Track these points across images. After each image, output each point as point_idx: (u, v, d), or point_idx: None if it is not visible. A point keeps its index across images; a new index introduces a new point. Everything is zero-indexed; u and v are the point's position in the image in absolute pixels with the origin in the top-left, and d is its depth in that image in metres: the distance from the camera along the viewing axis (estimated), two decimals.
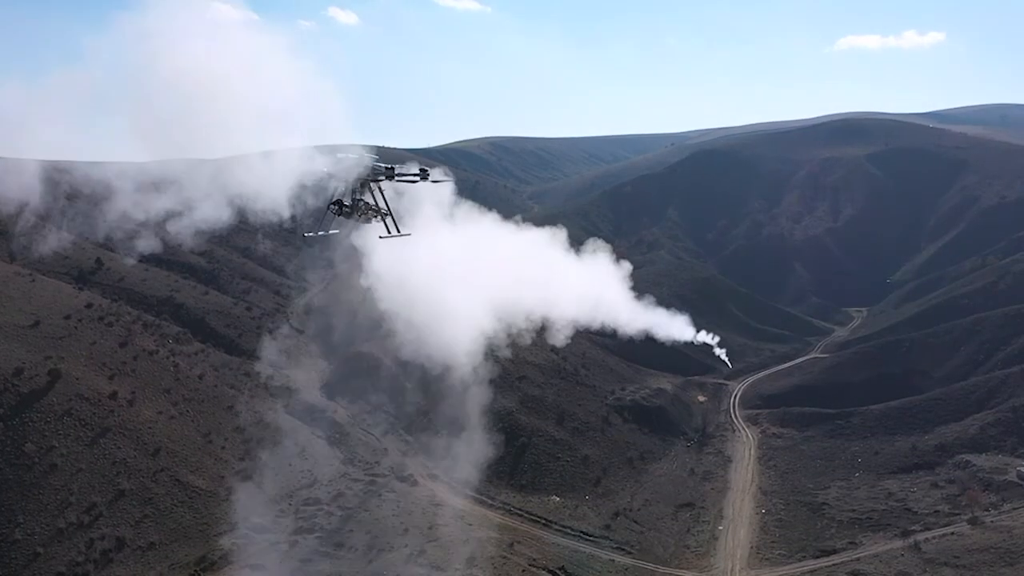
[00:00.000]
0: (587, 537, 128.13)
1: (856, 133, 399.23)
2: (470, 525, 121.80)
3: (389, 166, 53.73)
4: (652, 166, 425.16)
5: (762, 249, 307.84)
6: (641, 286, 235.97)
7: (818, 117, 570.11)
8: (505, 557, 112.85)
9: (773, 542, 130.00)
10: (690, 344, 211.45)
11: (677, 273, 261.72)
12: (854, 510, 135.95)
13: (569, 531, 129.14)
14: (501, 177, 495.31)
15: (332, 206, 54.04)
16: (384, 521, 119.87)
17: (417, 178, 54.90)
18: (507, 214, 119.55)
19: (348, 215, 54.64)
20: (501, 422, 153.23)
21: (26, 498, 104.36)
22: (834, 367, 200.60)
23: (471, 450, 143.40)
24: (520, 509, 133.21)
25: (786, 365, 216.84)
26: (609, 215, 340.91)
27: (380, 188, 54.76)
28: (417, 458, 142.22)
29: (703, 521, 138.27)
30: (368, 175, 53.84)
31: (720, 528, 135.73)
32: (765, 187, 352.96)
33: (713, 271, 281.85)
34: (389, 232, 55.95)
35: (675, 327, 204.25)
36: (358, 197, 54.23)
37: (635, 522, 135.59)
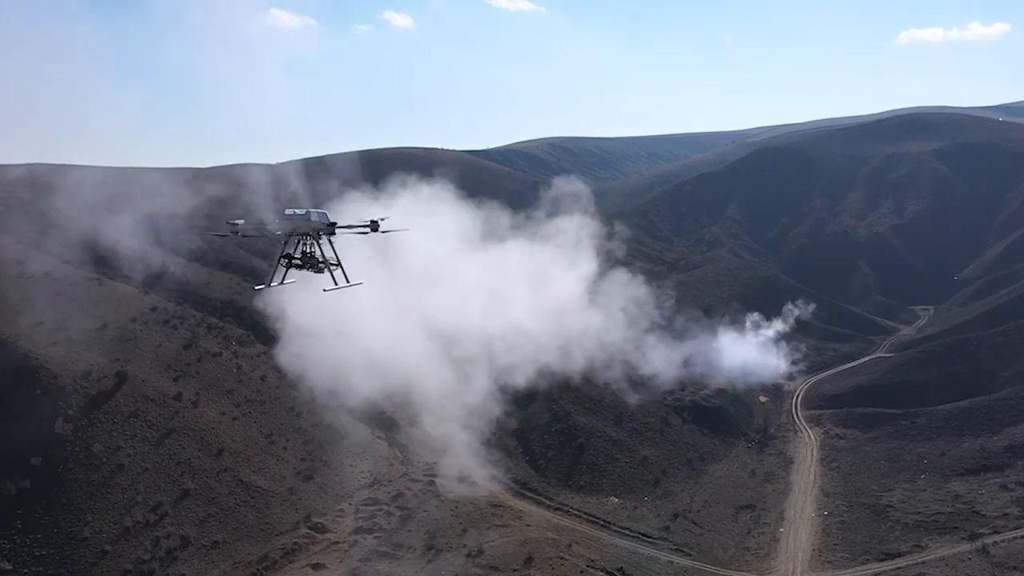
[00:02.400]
0: (646, 539, 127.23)
1: (921, 128, 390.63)
2: (528, 526, 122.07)
3: (331, 223, 56.76)
4: (712, 164, 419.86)
5: (825, 247, 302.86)
6: (701, 287, 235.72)
7: (882, 112, 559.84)
8: (563, 558, 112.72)
9: (835, 545, 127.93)
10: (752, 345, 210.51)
11: (738, 272, 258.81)
12: (919, 512, 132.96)
13: (627, 532, 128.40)
14: (560, 178, 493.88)
15: (283, 259, 58.19)
16: (443, 521, 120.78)
17: (367, 230, 57.97)
18: None
19: (299, 267, 58.38)
20: (559, 423, 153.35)
21: (94, 497, 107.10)
22: (899, 367, 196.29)
23: (528, 451, 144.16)
24: (578, 510, 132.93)
25: (850, 365, 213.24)
26: (668, 214, 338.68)
27: (330, 241, 58.20)
28: (476, 459, 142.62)
29: (764, 523, 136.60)
30: (312, 230, 57.01)
31: (781, 530, 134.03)
32: (828, 184, 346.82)
33: (775, 270, 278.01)
34: (336, 284, 58.90)
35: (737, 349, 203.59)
36: (307, 251, 57.80)
37: (694, 524, 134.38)
